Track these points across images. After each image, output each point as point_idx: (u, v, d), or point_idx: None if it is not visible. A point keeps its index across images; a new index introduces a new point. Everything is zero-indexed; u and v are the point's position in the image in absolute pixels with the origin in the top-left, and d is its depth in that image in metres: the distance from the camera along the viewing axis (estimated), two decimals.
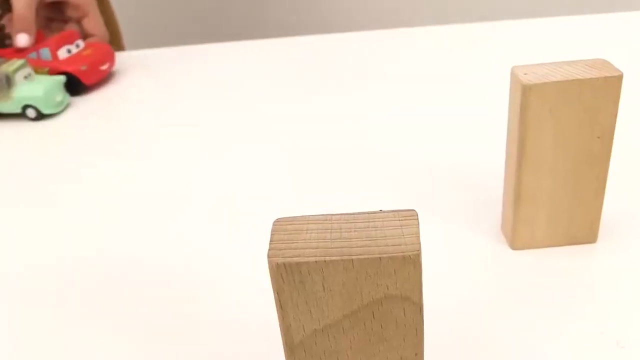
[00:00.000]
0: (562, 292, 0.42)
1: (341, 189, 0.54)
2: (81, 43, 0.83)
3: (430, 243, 0.46)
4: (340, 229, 0.29)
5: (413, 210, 0.30)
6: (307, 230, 0.29)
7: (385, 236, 0.28)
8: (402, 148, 0.58)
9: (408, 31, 0.82)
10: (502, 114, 0.55)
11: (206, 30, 1.67)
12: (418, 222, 0.29)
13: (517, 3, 1.52)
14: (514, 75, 0.42)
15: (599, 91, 0.40)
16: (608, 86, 0.40)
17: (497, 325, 0.40)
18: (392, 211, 0.30)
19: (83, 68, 0.78)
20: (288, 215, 0.31)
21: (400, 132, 0.61)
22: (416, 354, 0.30)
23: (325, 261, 0.28)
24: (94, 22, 0.86)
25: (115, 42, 1.06)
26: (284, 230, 0.30)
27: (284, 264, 0.28)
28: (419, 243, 0.28)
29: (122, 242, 0.50)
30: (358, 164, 0.57)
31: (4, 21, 0.84)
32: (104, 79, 0.83)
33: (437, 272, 0.44)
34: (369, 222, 0.29)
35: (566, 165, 0.43)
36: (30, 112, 0.72)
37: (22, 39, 0.79)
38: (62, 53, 0.79)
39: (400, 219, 0.29)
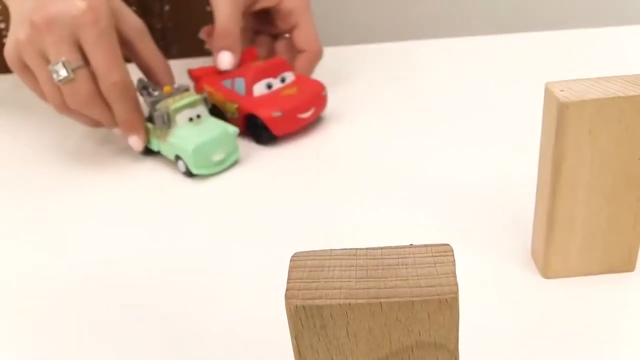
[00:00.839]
0: (598, 324, 0.39)
1: (363, 215, 0.51)
2: (289, 76, 0.62)
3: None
4: (367, 266, 0.26)
5: (447, 245, 0.27)
6: (329, 267, 0.26)
7: (417, 275, 0.25)
8: (425, 171, 0.55)
9: (428, 43, 0.79)
10: (532, 134, 0.52)
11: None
12: (454, 259, 0.26)
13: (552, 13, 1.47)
14: (548, 92, 0.38)
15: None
16: None
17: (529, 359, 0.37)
18: (425, 246, 0.27)
19: (276, 115, 0.59)
20: (307, 249, 0.28)
21: (422, 155, 0.57)
22: None
23: (350, 304, 0.25)
24: (305, 34, 0.67)
25: None
26: (303, 267, 0.27)
27: (303, 306, 0.25)
28: (456, 284, 0.25)
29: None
30: (380, 189, 0.53)
31: (203, 35, 0.69)
32: (304, 128, 0.62)
33: (463, 303, 0.41)
34: (399, 258, 0.26)
35: (604, 188, 0.39)
36: (181, 165, 0.56)
37: (224, 60, 0.63)
38: (260, 88, 0.61)
39: (434, 254, 0.26)
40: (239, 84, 0.61)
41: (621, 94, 0.37)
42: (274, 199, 0.53)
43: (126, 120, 0.56)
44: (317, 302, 0.25)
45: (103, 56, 0.53)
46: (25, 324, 0.43)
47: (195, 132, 0.56)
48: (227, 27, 0.63)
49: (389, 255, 0.27)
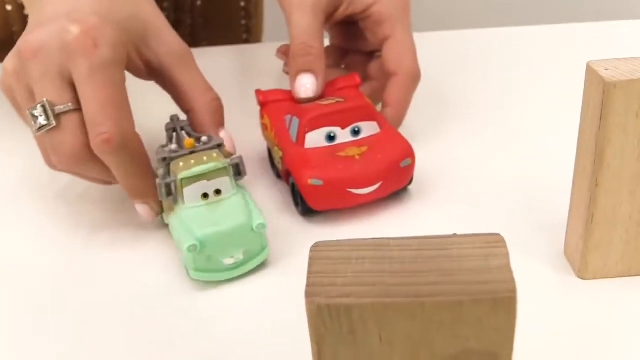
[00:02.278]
0: (636, 330, 0.35)
1: (386, 209, 0.45)
2: (370, 128, 0.45)
3: None
4: (402, 258, 0.22)
5: (498, 234, 0.23)
6: (357, 259, 0.22)
7: (464, 270, 0.21)
8: (454, 168, 0.49)
9: (459, 34, 0.73)
10: (568, 127, 0.46)
11: None
12: (508, 251, 0.22)
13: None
14: (591, 72, 0.34)
15: None
16: None
17: None
18: (472, 235, 0.23)
19: (314, 183, 0.42)
20: (328, 239, 0.23)
21: (449, 151, 0.51)
22: None
23: (385, 304, 0.20)
24: (396, 51, 0.50)
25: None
26: (326, 259, 0.22)
27: (328, 305, 0.21)
28: (513, 281, 0.21)
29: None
30: (398, 200, 0.47)
31: (280, 56, 0.55)
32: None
33: None
34: (440, 249, 0.22)
35: None
36: (183, 258, 0.39)
37: (303, 85, 0.47)
38: (316, 138, 0.44)
39: (483, 246, 0.22)
40: (295, 125, 0.45)
41: None
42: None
43: (128, 186, 0.42)
44: (345, 300, 0.21)
45: (94, 96, 0.39)
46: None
47: (204, 217, 0.39)
48: (306, 42, 0.48)
49: (428, 246, 0.22)
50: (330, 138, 0.44)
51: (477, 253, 0.22)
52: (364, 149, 0.44)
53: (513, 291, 0.20)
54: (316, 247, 0.23)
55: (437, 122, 0.55)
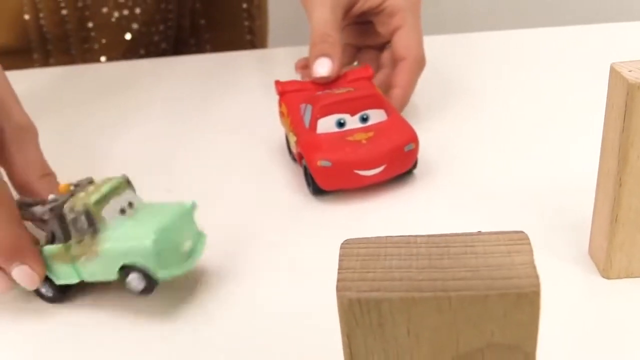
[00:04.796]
0: None
1: (392, 190, 0.47)
2: (377, 116, 0.48)
3: None
4: (430, 255, 0.23)
5: (522, 232, 0.23)
6: (385, 255, 0.23)
7: (490, 266, 0.22)
8: (477, 168, 0.50)
9: (475, 36, 0.74)
10: (589, 127, 0.47)
11: None
12: (531, 248, 0.23)
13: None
14: (615, 73, 0.35)
15: None
16: None
17: None
18: (496, 233, 0.23)
19: (323, 164, 0.45)
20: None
21: (474, 152, 0.53)
22: None
23: (413, 298, 0.21)
24: (405, 38, 0.55)
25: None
26: (356, 255, 0.23)
27: (358, 299, 0.22)
28: (537, 276, 0.21)
29: None
30: (431, 184, 0.49)
31: (298, 70, 0.59)
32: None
33: None
34: (466, 246, 0.23)
35: None
36: (134, 282, 0.37)
37: (321, 67, 0.51)
38: (327, 124, 0.47)
39: (507, 243, 0.23)
40: (308, 112, 0.48)
41: None
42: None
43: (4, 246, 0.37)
44: (375, 294, 0.22)
45: None
46: None
47: (140, 223, 0.38)
48: (325, 32, 0.52)
49: (454, 243, 0.23)
50: (340, 124, 0.47)
51: (502, 250, 0.22)
52: (371, 134, 0.47)
53: (537, 286, 0.21)
54: (346, 244, 0.24)
55: (452, 115, 0.58)
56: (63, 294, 0.40)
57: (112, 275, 0.37)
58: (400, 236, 0.24)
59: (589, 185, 0.40)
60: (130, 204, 0.39)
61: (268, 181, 0.51)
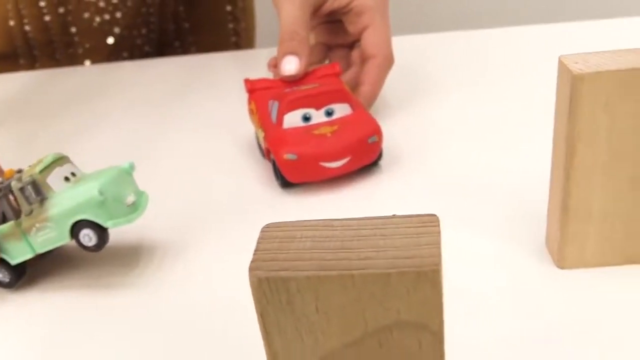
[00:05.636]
0: (615, 318, 0.35)
1: (357, 182, 0.48)
2: (342, 110, 0.49)
3: (467, 261, 0.40)
4: (342, 237, 0.24)
5: (434, 215, 0.24)
6: (301, 238, 0.24)
7: (396, 247, 0.23)
8: (440, 162, 0.51)
9: (444, 35, 0.75)
10: (548, 120, 0.48)
11: None
12: (439, 230, 0.23)
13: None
14: (562, 66, 0.35)
15: None
16: None
17: (543, 355, 0.33)
18: (409, 216, 0.24)
19: (289, 158, 0.47)
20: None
21: (436, 146, 0.54)
22: None
23: (319, 277, 0.22)
24: (374, 36, 0.55)
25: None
26: (273, 238, 0.24)
27: (267, 278, 0.23)
28: (439, 255, 0.22)
29: None
30: (393, 179, 0.50)
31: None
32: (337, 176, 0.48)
33: (474, 295, 0.38)
34: (377, 228, 0.24)
35: (624, 171, 0.36)
36: (86, 237, 0.39)
37: (288, 64, 0.52)
38: (293, 119, 0.48)
39: (417, 225, 0.24)
40: (275, 108, 0.50)
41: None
42: None
43: None
44: (282, 274, 0.22)
45: None
46: None
47: (84, 185, 0.40)
48: (293, 30, 0.53)
49: (367, 225, 0.24)
50: (306, 119, 0.49)
51: (410, 232, 0.23)
52: (335, 127, 0.48)
53: (437, 265, 0.22)
54: (267, 228, 0.25)
55: (419, 109, 0.60)
56: (19, 277, 0.42)
57: (64, 238, 0.40)
58: (319, 220, 0.25)
59: (548, 178, 0.41)
60: (73, 174, 0.42)
61: (239, 176, 0.52)
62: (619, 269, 0.39)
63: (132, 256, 0.45)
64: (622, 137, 0.35)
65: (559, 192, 0.38)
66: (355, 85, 0.56)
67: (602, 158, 0.36)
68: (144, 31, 0.78)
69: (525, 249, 0.41)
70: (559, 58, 0.36)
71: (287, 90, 0.51)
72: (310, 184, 0.49)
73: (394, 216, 0.24)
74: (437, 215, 0.24)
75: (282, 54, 0.53)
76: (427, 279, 0.22)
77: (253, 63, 0.73)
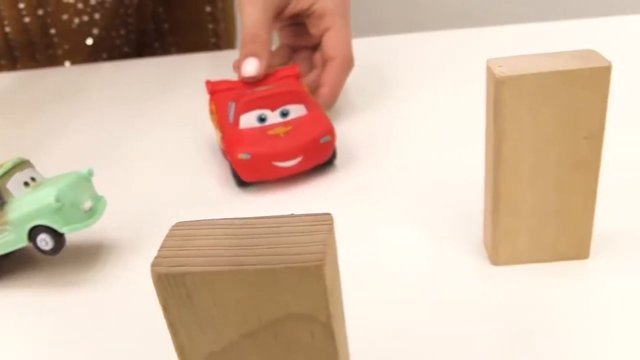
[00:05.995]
0: (544, 313, 0.37)
1: (311, 181, 0.50)
2: (297, 111, 0.51)
3: (408, 258, 0.42)
4: (242, 235, 0.25)
5: (329, 214, 0.25)
6: (203, 236, 0.25)
7: (288, 244, 0.24)
8: (388, 157, 0.53)
9: (396, 38, 0.77)
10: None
11: None
12: (332, 228, 0.25)
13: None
14: (488, 70, 0.37)
15: (584, 84, 0.35)
16: (595, 78, 0.35)
17: (470, 346, 0.35)
18: (305, 215, 0.26)
19: (242, 157, 0.48)
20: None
21: (387, 139, 0.56)
22: None
23: (212, 272, 0.24)
24: (334, 39, 0.57)
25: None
26: (178, 236, 0.26)
27: (166, 274, 0.24)
28: (324, 252, 0.23)
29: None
30: (339, 170, 0.52)
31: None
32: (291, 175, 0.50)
33: (412, 290, 0.39)
34: (275, 227, 0.25)
35: (550, 171, 0.37)
36: (43, 241, 0.41)
37: (248, 66, 0.53)
38: (249, 120, 0.50)
39: (312, 224, 0.25)
40: (232, 109, 0.51)
41: (562, 68, 0.35)
42: None
43: None
44: (180, 269, 0.24)
45: None
46: None
47: (42, 191, 0.41)
48: (255, 32, 0.54)
49: (266, 224, 0.25)
50: (262, 119, 0.50)
51: (304, 230, 0.25)
52: (289, 128, 0.50)
53: (321, 260, 0.23)
54: (175, 226, 0.26)
55: (377, 111, 0.61)
56: None
57: (22, 241, 0.42)
58: (224, 219, 0.26)
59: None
60: (33, 179, 0.43)
61: (199, 176, 0.53)
62: (550, 265, 0.40)
63: (91, 255, 0.46)
64: (546, 138, 0.36)
65: (490, 191, 0.39)
66: (317, 86, 0.57)
67: (528, 158, 0.37)
68: (122, 32, 0.80)
69: (464, 247, 0.42)
70: (487, 61, 0.37)
71: (245, 92, 0.52)
72: (266, 182, 0.50)
73: (291, 215, 0.26)
74: (332, 214, 0.25)
75: (243, 56, 0.54)
76: (312, 274, 0.23)
77: (230, 63, 0.75)
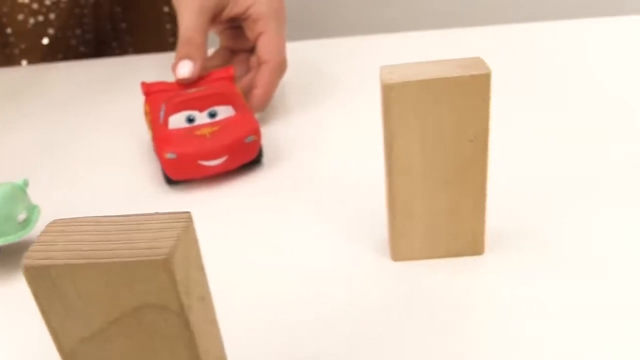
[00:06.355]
0: (434, 308, 0.39)
1: (254, 195, 0.52)
2: (224, 112, 0.53)
3: (313, 255, 0.44)
4: (107, 231, 0.27)
5: (188, 212, 0.28)
6: (73, 232, 0.28)
7: (144, 239, 0.27)
8: (311, 157, 0.55)
9: (331, 42, 0.79)
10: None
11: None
12: (187, 225, 0.27)
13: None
14: (380, 76, 0.39)
15: (466, 91, 0.37)
16: (476, 85, 0.37)
17: (362, 340, 0.37)
18: (167, 213, 0.28)
19: (169, 157, 0.50)
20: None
21: (313, 140, 0.58)
22: None
23: (73, 265, 0.26)
24: (267, 43, 0.59)
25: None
26: (53, 232, 0.28)
27: (34, 266, 0.26)
28: (175, 247, 0.26)
29: None
30: (265, 170, 0.54)
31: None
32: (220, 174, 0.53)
33: (317, 284, 0.42)
34: (137, 224, 0.28)
35: (439, 172, 0.40)
36: None
37: (182, 68, 0.56)
38: (178, 120, 0.52)
39: (171, 221, 0.27)
40: (163, 110, 0.53)
41: (445, 75, 0.37)
42: None
43: None
44: (46, 262, 0.26)
45: None
46: None
47: None
48: (190, 36, 0.57)
49: (130, 221, 0.28)
50: (190, 120, 0.53)
51: (163, 227, 0.27)
52: (216, 128, 0.52)
53: (167, 254, 0.25)
54: (52, 223, 0.29)
55: (306, 113, 0.64)
56: None
57: None
58: (95, 217, 0.29)
59: None
60: None
61: (133, 174, 0.56)
62: (446, 260, 0.42)
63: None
64: (433, 141, 0.39)
65: (386, 192, 0.41)
66: (251, 88, 0.60)
67: (418, 160, 0.39)
68: (78, 32, 0.82)
69: (370, 244, 0.45)
70: (380, 68, 0.39)
71: (176, 93, 0.55)
72: (195, 181, 0.53)
73: (155, 214, 0.28)
74: (190, 212, 0.28)
75: (178, 58, 0.57)
76: (160, 267, 0.26)
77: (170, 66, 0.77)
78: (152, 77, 0.73)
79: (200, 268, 0.29)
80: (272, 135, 0.59)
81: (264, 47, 0.60)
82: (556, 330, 0.36)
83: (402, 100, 0.38)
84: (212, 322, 0.30)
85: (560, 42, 0.73)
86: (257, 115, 0.61)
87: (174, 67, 0.58)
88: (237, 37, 0.64)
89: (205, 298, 0.29)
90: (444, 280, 0.41)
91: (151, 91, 0.57)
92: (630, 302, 0.38)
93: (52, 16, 0.79)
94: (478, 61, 0.38)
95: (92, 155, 0.60)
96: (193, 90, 0.55)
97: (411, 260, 0.43)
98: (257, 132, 0.53)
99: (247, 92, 0.59)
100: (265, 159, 0.56)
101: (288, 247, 0.45)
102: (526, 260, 0.42)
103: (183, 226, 0.27)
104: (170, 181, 0.52)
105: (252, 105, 0.59)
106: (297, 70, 0.66)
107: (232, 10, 0.60)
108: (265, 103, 0.59)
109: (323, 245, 0.45)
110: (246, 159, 0.53)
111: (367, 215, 0.47)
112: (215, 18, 0.60)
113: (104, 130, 0.65)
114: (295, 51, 0.68)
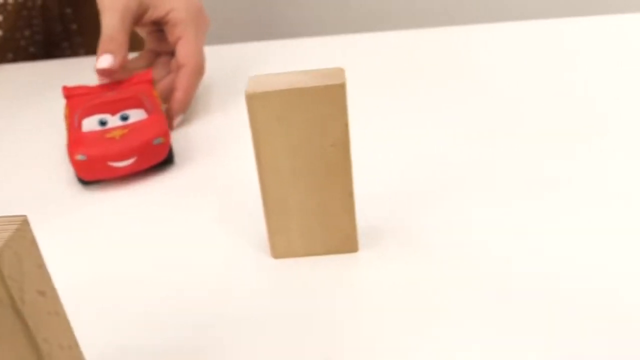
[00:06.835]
0: (306, 303, 0.41)
1: (163, 195, 0.54)
2: (136, 115, 0.57)
3: (204, 253, 0.47)
4: None
5: (24, 216, 0.31)
6: None
7: None
8: (220, 159, 0.58)
9: (254, 45, 0.82)
10: None
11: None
12: (23, 227, 0.30)
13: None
14: (247, 85, 0.42)
15: (323, 100, 0.40)
16: (331, 94, 0.40)
17: (237, 338, 0.40)
18: (6, 217, 0.31)
19: (79, 158, 0.53)
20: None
21: (223, 143, 0.61)
22: None
23: None
24: (185, 47, 0.62)
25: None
26: None
27: None
28: (1, 247, 0.29)
29: None
30: (177, 170, 0.57)
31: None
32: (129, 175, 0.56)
33: (199, 281, 0.44)
34: None
35: (306, 174, 0.42)
36: None
37: (102, 61, 0.59)
38: (90, 124, 0.56)
39: (5, 224, 0.30)
40: (77, 114, 0.56)
41: (302, 85, 0.40)
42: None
43: None
44: None
45: None
46: None
47: None
48: (112, 35, 0.60)
49: None
50: (102, 123, 0.56)
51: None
52: (126, 131, 0.55)
53: None
54: None
55: (229, 114, 0.67)
56: None
57: None
58: None
59: None
60: None
61: (49, 175, 0.59)
62: (323, 258, 0.45)
63: None
64: (297, 146, 0.41)
65: (260, 190, 0.44)
66: (170, 90, 0.63)
67: (285, 163, 0.42)
68: (27, 33, 0.84)
69: (252, 242, 0.47)
70: (249, 77, 0.42)
71: (90, 97, 0.58)
72: (108, 181, 0.56)
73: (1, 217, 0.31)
74: (26, 216, 0.31)
75: (100, 53, 0.60)
76: None
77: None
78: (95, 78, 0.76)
79: (40, 265, 0.32)
80: (189, 136, 0.62)
81: (182, 51, 0.63)
82: (429, 319, 0.39)
83: (264, 108, 0.40)
84: (57, 314, 0.33)
85: (445, 46, 0.75)
86: (180, 117, 0.64)
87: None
88: (160, 40, 0.67)
89: (46, 292, 0.32)
90: (321, 276, 0.43)
91: (72, 95, 0.60)
92: (490, 283, 0.40)
93: None
94: (338, 72, 0.41)
95: (11, 156, 0.63)
96: (110, 94, 0.58)
97: (289, 257, 0.45)
98: (166, 134, 0.55)
99: (167, 93, 0.62)
100: (179, 159, 0.58)
101: (179, 244, 0.48)
102: (398, 255, 0.44)
103: (16, 228, 0.30)
104: (84, 181, 0.55)
105: (173, 107, 0.62)
106: (226, 73, 0.69)
107: (153, 13, 0.64)
108: (185, 105, 0.63)
109: (210, 243, 0.48)
110: (155, 160, 0.56)
111: (260, 215, 0.50)
112: (138, 20, 0.63)
113: (28, 131, 0.68)
114: (228, 53, 0.72)
